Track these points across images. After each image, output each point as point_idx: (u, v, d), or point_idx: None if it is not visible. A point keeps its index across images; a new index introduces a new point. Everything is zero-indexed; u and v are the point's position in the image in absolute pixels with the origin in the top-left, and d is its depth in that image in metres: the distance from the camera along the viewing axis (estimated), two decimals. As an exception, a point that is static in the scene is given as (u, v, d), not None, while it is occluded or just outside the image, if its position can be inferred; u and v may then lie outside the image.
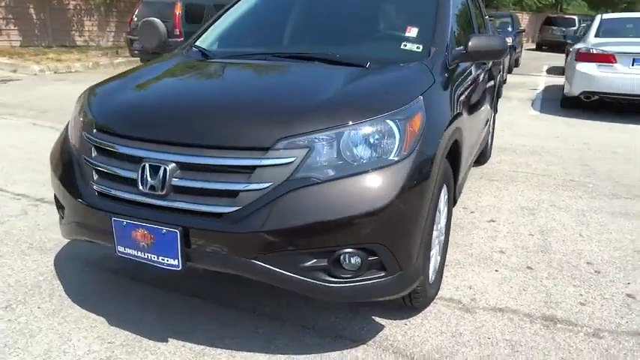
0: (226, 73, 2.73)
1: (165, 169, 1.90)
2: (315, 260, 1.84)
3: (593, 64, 7.44)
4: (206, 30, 3.28)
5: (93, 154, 2.13)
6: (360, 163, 1.86)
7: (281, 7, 3.42)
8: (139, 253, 1.95)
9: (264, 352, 2.14)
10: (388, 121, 1.93)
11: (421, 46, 2.68)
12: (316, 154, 1.83)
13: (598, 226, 3.58)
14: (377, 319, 2.38)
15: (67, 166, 2.24)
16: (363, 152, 1.87)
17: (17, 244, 3.03)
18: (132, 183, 1.98)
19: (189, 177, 1.90)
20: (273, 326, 2.31)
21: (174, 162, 1.91)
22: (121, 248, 2.00)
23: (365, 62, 2.47)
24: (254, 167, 1.83)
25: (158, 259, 1.92)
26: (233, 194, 1.84)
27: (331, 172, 1.82)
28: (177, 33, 10.56)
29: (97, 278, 2.69)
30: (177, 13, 10.76)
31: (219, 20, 3.34)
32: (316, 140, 1.85)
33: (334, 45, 2.86)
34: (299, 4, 3.40)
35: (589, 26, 9.43)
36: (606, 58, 7.37)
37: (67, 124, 2.49)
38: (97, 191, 2.07)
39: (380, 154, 1.88)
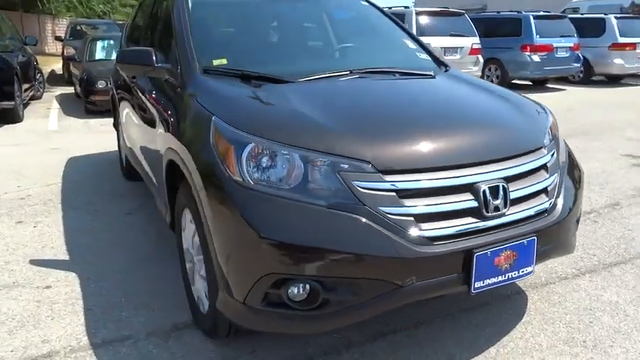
0: (405, 91, 2.73)
1: (504, 187, 2.00)
2: None
3: None
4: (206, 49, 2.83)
5: (405, 203, 1.89)
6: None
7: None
8: (500, 277, 2.00)
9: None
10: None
11: (426, 56, 3.36)
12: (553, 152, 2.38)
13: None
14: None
15: (352, 237, 1.85)
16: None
17: None
18: (468, 212, 1.97)
19: (517, 187, 2.08)
20: (422, 344, 2.51)
21: (502, 177, 2.03)
22: (478, 284, 1.96)
23: (428, 72, 2.97)
24: (546, 164, 2.25)
25: (519, 272, 2.04)
26: (545, 190, 2.20)
27: (561, 162, 2.41)
28: None
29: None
30: None
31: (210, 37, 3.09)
32: (551, 141, 2.40)
33: (369, 58, 3.27)
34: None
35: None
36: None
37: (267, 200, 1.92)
38: (428, 237, 1.89)
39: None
